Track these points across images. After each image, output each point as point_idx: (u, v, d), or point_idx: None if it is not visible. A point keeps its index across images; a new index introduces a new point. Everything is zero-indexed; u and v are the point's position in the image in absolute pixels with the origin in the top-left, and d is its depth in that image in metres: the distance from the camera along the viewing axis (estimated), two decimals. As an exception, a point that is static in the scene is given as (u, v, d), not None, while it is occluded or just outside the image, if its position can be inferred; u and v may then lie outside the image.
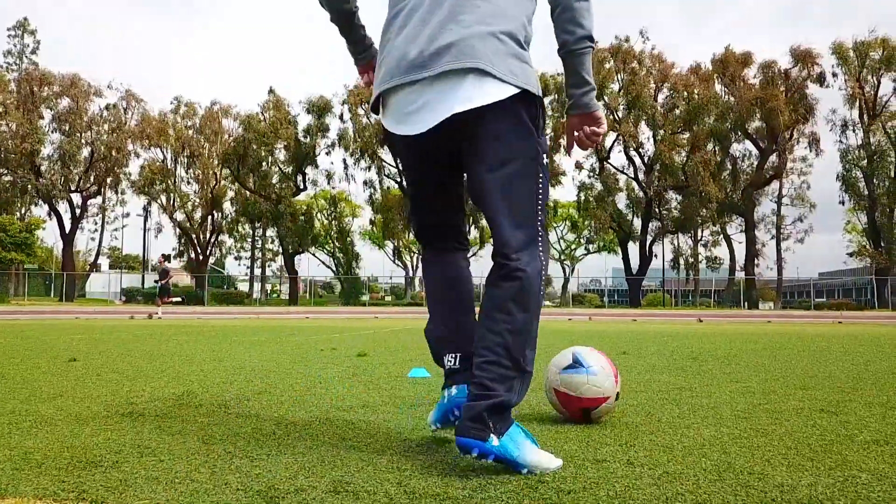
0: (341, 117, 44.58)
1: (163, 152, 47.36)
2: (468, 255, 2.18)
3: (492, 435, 1.66)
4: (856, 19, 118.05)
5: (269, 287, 61.23)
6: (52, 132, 45.41)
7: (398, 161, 2.12)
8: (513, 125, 1.81)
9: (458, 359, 2.04)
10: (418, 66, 1.82)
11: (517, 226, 1.84)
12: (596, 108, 1.94)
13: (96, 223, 51.33)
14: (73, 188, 46.10)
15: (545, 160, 1.90)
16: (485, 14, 1.83)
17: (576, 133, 1.98)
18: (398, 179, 45.43)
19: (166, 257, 21.92)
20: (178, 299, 20.72)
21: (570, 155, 2.12)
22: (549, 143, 1.97)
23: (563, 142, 2.10)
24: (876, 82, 40.00)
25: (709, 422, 2.38)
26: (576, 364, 2.42)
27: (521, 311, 1.79)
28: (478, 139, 1.82)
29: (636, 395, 3.08)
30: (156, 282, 20.97)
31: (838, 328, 14.24)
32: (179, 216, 48.32)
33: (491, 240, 1.88)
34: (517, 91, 1.80)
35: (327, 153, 45.77)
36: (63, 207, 46.18)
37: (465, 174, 1.94)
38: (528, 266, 1.82)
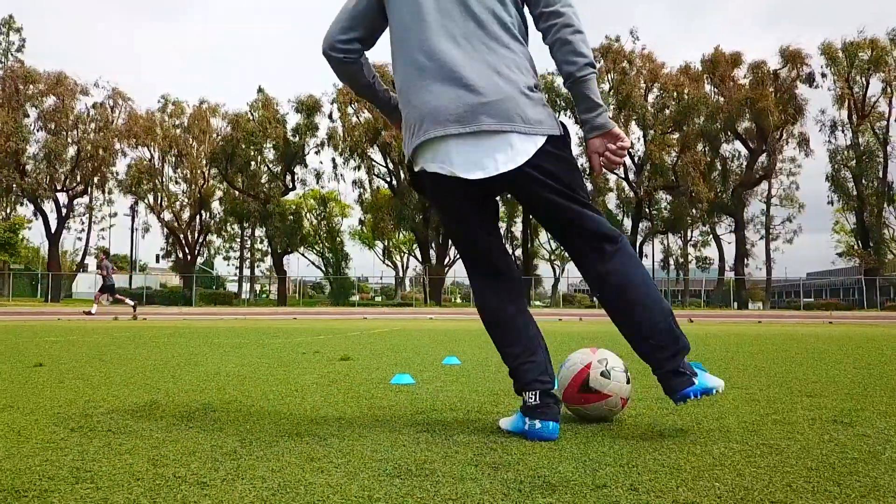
0: (330, 116, 44.33)
1: (150, 151, 46.91)
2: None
3: (694, 378, 2.08)
4: (835, 24, 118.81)
5: (258, 287, 60.87)
6: (38, 131, 44.89)
7: (437, 203, 2.25)
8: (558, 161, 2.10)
9: (537, 395, 2.17)
10: (462, 120, 2.01)
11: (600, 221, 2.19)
12: (613, 126, 2.08)
13: (83, 223, 50.79)
14: (58, 187, 45.56)
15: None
16: (514, 66, 2.06)
17: (600, 155, 2.12)
18: (388, 179, 45.18)
19: (106, 253, 21.63)
20: (132, 302, 20.39)
21: (598, 176, 2.43)
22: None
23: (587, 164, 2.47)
24: (865, 83, 40.17)
25: (715, 436, 2.18)
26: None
27: (640, 276, 2.14)
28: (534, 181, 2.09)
29: (634, 405, 2.87)
30: (104, 279, 20.59)
31: (831, 328, 14.14)
32: (167, 216, 47.91)
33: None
34: (545, 139, 2.06)
35: (316, 152, 45.54)
36: (49, 207, 45.69)
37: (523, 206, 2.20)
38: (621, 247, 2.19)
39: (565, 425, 2.34)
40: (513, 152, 2.02)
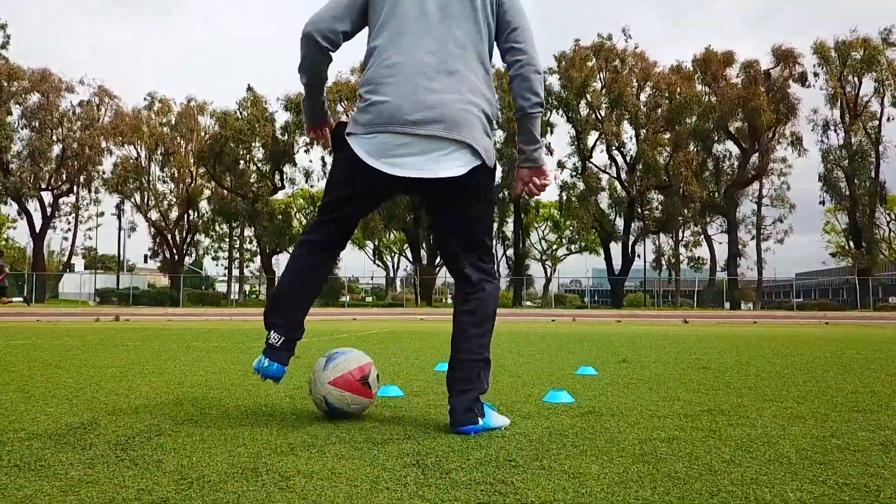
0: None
1: (136, 150, 46.17)
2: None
3: (478, 418, 2.22)
4: (823, 26, 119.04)
5: (247, 288, 60.19)
6: (22, 128, 44.05)
7: (344, 179, 2.32)
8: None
9: (281, 341, 2.37)
10: (417, 123, 2.17)
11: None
12: (543, 163, 2.38)
13: (69, 223, 49.95)
14: (43, 186, 44.75)
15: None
16: (478, 92, 2.25)
17: (525, 183, 2.42)
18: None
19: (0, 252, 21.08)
20: (20, 300, 19.79)
21: (518, 193, 2.52)
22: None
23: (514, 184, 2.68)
24: (857, 82, 39.99)
25: (778, 471, 1.74)
26: (330, 358, 2.55)
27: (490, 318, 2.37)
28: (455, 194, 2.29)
29: (662, 422, 2.44)
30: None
31: (831, 330, 13.80)
32: (154, 215, 47.18)
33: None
34: (480, 164, 2.25)
35: (306, 151, 44.95)
36: (33, 206, 44.87)
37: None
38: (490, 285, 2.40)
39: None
40: (453, 163, 2.19)
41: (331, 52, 2.29)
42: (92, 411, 2.63)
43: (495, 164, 2.34)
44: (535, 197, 2.42)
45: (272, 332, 2.36)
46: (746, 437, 2.19)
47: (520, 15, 2.31)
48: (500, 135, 43.43)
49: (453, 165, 2.19)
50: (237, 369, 4.33)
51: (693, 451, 1.96)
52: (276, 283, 2.68)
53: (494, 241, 2.62)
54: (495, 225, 50.85)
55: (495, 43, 2.33)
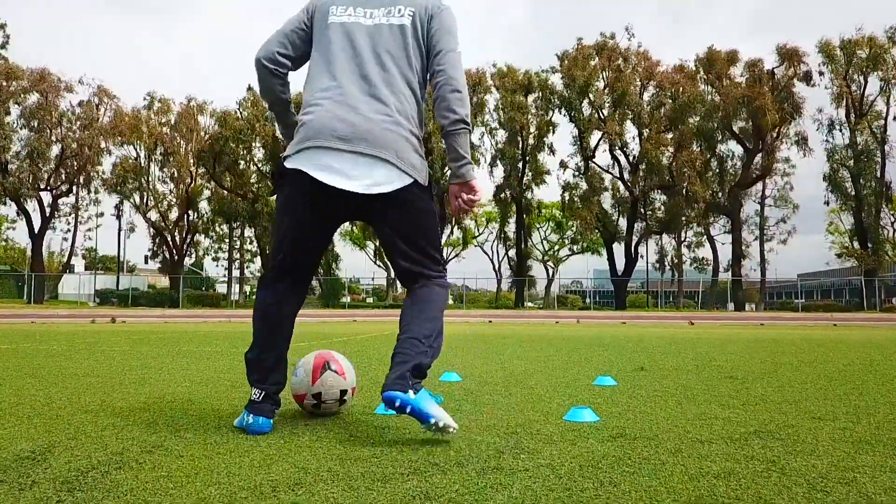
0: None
1: (136, 150, 45.87)
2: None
3: (409, 390, 2.16)
4: (819, 28, 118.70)
5: (247, 289, 59.88)
6: (21, 128, 43.74)
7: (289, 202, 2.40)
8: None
9: (262, 395, 2.41)
10: (343, 139, 2.26)
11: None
12: (471, 178, 2.40)
13: (69, 223, 49.66)
14: (42, 186, 44.45)
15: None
16: (404, 114, 2.33)
17: (456, 197, 2.45)
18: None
19: None
20: None
21: (456, 217, 3.02)
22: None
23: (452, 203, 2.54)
24: (863, 81, 39.62)
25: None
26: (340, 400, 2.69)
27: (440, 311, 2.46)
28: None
29: (708, 450, 2.10)
30: None
31: (846, 332, 13.44)
32: (153, 215, 46.88)
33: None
34: (412, 182, 2.33)
35: (306, 151, 44.59)
36: (32, 206, 44.55)
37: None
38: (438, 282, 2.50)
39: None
40: (380, 179, 2.28)
41: (279, 73, 2.47)
42: (51, 434, 2.29)
43: (430, 182, 2.43)
44: (465, 216, 2.37)
45: (253, 388, 2.41)
46: (814, 470, 1.85)
47: (445, 39, 2.38)
48: (502, 134, 43.08)
49: (381, 182, 2.27)
50: (226, 379, 4.00)
51: (759, 493, 1.62)
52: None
53: (442, 251, 2.57)
54: (496, 226, 50.78)
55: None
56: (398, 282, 2.68)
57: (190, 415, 2.71)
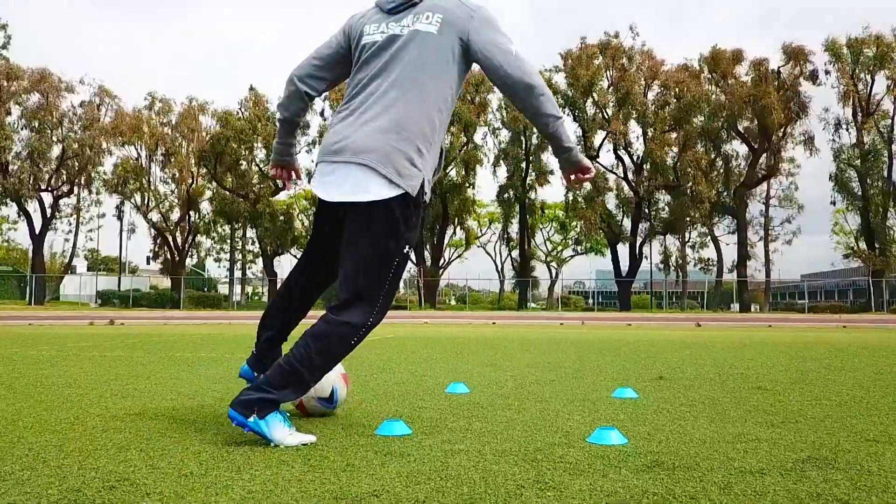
0: (322, 114, 43.18)
1: (136, 150, 45.63)
2: None
3: (253, 416, 2.20)
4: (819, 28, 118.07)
5: (249, 290, 59.61)
6: (21, 129, 43.51)
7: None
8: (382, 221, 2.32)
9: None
10: (335, 152, 2.37)
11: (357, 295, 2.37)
12: (582, 160, 2.45)
13: (70, 224, 49.44)
14: (43, 187, 44.22)
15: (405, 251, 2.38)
16: (392, 119, 2.31)
17: (571, 177, 2.50)
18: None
19: None
20: None
21: (572, 187, 2.69)
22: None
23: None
24: (870, 80, 39.24)
25: None
26: (329, 399, 2.79)
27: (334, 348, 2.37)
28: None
29: (761, 483, 1.80)
30: None
31: (860, 335, 13.14)
32: (155, 216, 46.62)
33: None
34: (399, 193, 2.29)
35: (308, 151, 44.33)
36: (33, 207, 44.31)
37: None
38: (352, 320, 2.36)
39: None
40: (358, 188, 2.30)
41: (308, 96, 2.54)
42: (3, 463, 2.00)
43: (404, 197, 2.30)
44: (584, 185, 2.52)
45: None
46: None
47: (494, 43, 2.32)
48: (505, 134, 42.81)
49: (358, 191, 2.29)
50: (215, 391, 3.71)
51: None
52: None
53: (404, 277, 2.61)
54: (499, 226, 50.38)
55: (490, 80, 2.43)
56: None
57: (168, 436, 2.42)
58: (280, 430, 2.21)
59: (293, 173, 2.75)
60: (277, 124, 2.69)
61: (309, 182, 2.58)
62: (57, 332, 11.75)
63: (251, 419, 2.19)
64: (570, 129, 2.47)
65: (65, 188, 45.56)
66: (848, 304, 45.80)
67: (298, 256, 2.69)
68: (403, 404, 3.23)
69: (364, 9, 2.58)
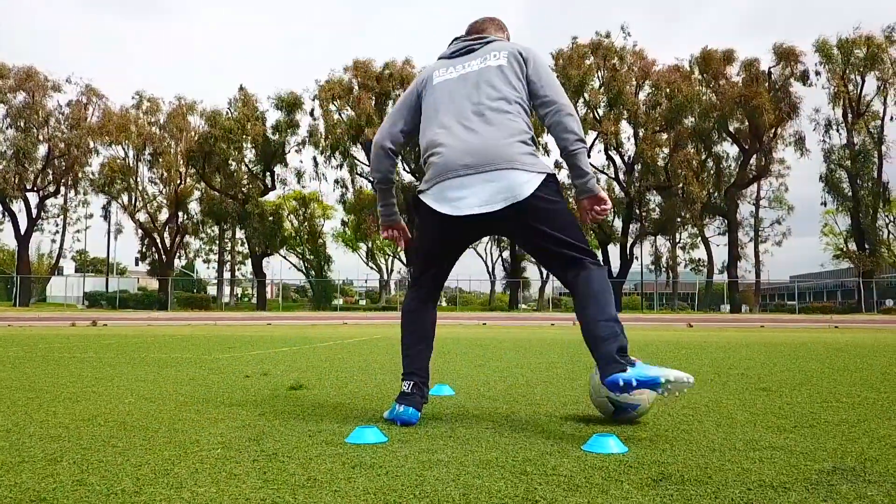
0: (312, 113, 42.82)
1: (124, 150, 45.09)
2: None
3: (627, 367, 2.32)
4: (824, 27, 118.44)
5: (238, 291, 59.15)
6: (7, 128, 42.94)
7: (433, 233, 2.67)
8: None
9: (411, 386, 2.61)
10: (467, 166, 2.51)
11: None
12: (598, 191, 2.58)
13: (57, 224, 48.87)
14: (28, 187, 43.65)
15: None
16: (513, 132, 2.54)
17: (587, 211, 2.62)
18: (371, 178, 43.81)
19: None
20: None
21: (585, 223, 2.67)
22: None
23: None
24: (860, 81, 39.26)
25: None
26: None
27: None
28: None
29: (783, 498, 1.55)
30: None
31: (853, 335, 12.97)
32: (142, 217, 46.10)
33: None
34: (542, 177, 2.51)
35: (297, 151, 44.00)
36: (18, 207, 43.73)
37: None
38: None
39: None
40: (504, 193, 2.49)
41: (393, 153, 2.75)
42: None
43: (550, 176, 2.52)
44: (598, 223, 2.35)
45: (403, 381, 2.65)
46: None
47: (544, 76, 2.61)
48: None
49: (507, 196, 2.46)
50: (180, 394, 3.43)
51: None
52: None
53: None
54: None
55: (532, 102, 2.63)
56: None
57: (111, 446, 2.14)
58: (649, 369, 2.31)
59: (399, 230, 2.89)
60: (375, 191, 2.90)
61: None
62: (35, 334, 11.42)
63: (629, 371, 2.29)
64: (588, 161, 2.64)
65: (51, 188, 45.02)
66: (837, 304, 45.81)
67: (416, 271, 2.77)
68: (381, 409, 2.96)
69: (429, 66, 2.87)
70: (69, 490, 1.62)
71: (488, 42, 2.75)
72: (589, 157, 2.61)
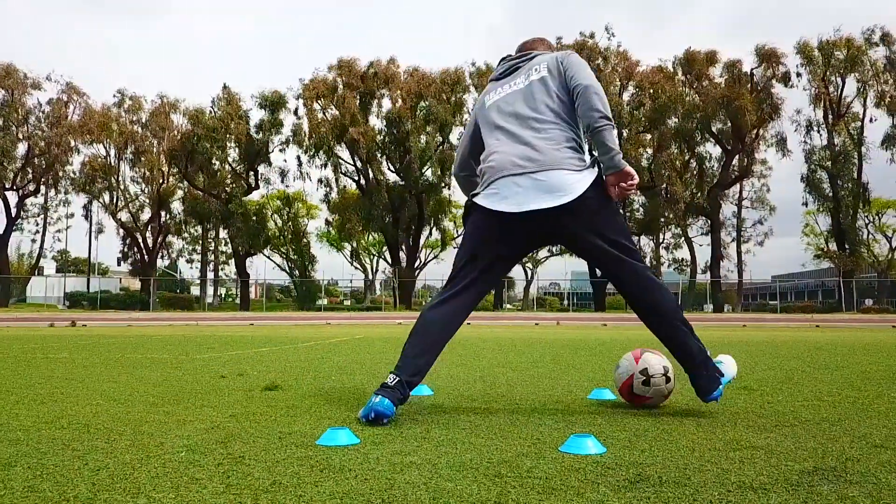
0: (296, 112, 42.57)
1: (105, 148, 44.57)
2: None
3: (719, 383, 2.72)
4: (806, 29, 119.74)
5: (222, 291, 58.70)
6: (-15, 126, 42.26)
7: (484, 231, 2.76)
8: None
9: (395, 381, 2.54)
10: (518, 165, 2.66)
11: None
12: (624, 166, 2.62)
13: (37, 224, 48.24)
14: (7, 186, 43.02)
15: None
16: (559, 139, 2.69)
17: (614, 188, 2.67)
18: (355, 178, 43.62)
19: None
20: None
21: (615, 198, 2.73)
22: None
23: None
24: (840, 82, 39.65)
25: None
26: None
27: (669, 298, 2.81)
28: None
29: (764, 500, 1.50)
30: None
31: (834, 334, 13.07)
32: (124, 216, 45.59)
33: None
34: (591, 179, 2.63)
35: (281, 150, 43.73)
36: (-4, 206, 43.04)
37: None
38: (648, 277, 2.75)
39: None
40: (556, 193, 2.61)
41: (470, 178, 2.98)
42: None
43: (599, 178, 2.65)
44: (627, 198, 2.39)
45: (390, 375, 2.59)
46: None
47: (576, 66, 2.73)
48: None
49: (557, 195, 2.58)
50: (151, 394, 3.34)
51: None
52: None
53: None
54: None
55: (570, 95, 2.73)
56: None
57: (71, 449, 2.06)
58: (727, 366, 2.86)
59: None
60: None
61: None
62: (11, 335, 11.23)
63: (721, 387, 2.73)
64: (616, 138, 2.70)
65: (31, 187, 44.41)
66: (818, 304, 46.24)
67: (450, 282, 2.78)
68: (357, 409, 2.89)
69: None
70: (19, 496, 1.54)
71: (532, 58, 2.88)
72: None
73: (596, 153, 2.67)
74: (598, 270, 30.88)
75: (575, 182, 2.57)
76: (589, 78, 2.68)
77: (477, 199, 2.72)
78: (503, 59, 2.99)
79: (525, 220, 2.60)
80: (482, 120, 2.89)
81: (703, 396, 2.69)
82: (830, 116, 39.74)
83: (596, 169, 2.66)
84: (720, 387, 2.69)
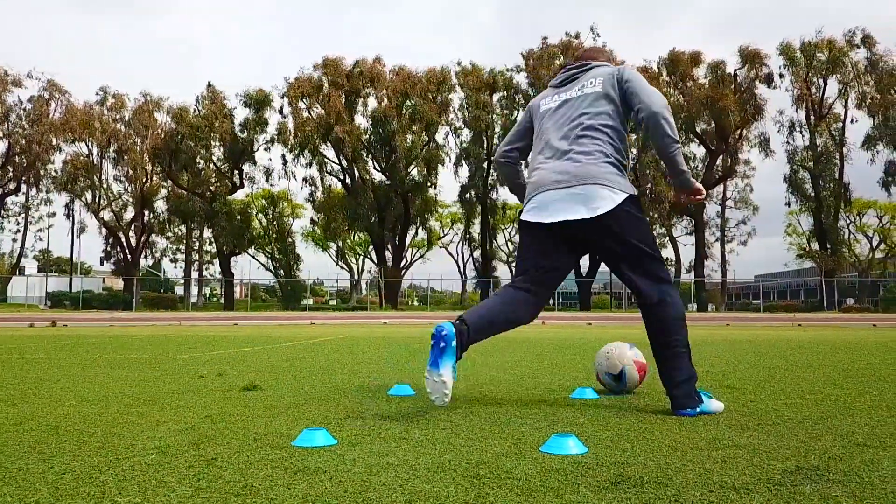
0: (281, 111, 42.31)
1: (87, 146, 44.08)
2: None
3: (697, 405, 2.71)
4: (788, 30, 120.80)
5: (206, 291, 58.29)
6: (-36, 124, 41.69)
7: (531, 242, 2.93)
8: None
9: (461, 322, 2.77)
10: (558, 182, 2.81)
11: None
12: (693, 184, 2.83)
13: (18, 223, 47.66)
14: (-14, 185, 42.48)
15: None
16: (604, 152, 2.81)
17: (682, 199, 2.90)
18: (340, 177, 43.44)
19: None
20: None
21: (681, 205, 3.28)
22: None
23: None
24: (822, 83, 39.99)
25: None
26: (618, 378, 3.36)
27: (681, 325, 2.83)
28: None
29: (746, 500, 1.47)
30: None
31: (816, 333, 13.16)
32: (107, 215, 45.11)
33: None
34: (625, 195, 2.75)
35: (266, 149, 43.42)
36: (-25, 205, 42.50)
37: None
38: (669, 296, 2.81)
39: None
40: (591, 205, 2.74)
41: (509, 162, 3.18)
42: None
43: (634, 196, 2.76)
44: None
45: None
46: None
47: (639, 87, 2.80)
48: (467, 133, 42.61)
49: (591, 207, 2.71)
50: (127, 395, 3.27)
51: None
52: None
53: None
54: (461, 227, 50.14)
55: (630, 112, 2.84)
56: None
57: (37, 451, 1.99)
58: (712, 402, 2.77)
59: None
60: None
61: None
62: (-13, 334, 11.05)
63: (698, 409, 2.69)
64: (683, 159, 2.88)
65: (11, 185, 43.88)
66: (800, 303, 46.65)
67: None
68: (336, 409, 2.85)
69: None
70: (-22, 502, 1.48)
71: (589, 69, 2.97)
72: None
73: (667, 172, 2.92)
74: (582, 269, 31.18)
75: (609, 196, 2.69)
76: (652, 98, 2.76)
77: (522, 216, 2.90)
78: (563, 66, 3.11)
79: (563, 229, 2.75)
80: (536, 125, 3.04)
81: (675, 409, 2.70)
82: (812, 117, 40.09)
83: (631, 186, 2.78)
84: (696, 409, 2.67)
